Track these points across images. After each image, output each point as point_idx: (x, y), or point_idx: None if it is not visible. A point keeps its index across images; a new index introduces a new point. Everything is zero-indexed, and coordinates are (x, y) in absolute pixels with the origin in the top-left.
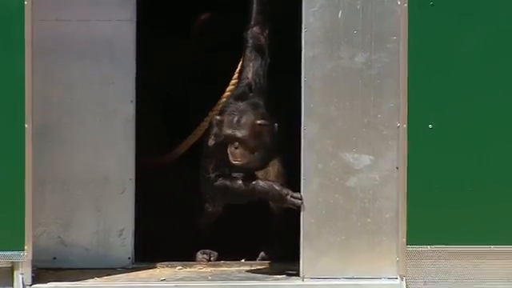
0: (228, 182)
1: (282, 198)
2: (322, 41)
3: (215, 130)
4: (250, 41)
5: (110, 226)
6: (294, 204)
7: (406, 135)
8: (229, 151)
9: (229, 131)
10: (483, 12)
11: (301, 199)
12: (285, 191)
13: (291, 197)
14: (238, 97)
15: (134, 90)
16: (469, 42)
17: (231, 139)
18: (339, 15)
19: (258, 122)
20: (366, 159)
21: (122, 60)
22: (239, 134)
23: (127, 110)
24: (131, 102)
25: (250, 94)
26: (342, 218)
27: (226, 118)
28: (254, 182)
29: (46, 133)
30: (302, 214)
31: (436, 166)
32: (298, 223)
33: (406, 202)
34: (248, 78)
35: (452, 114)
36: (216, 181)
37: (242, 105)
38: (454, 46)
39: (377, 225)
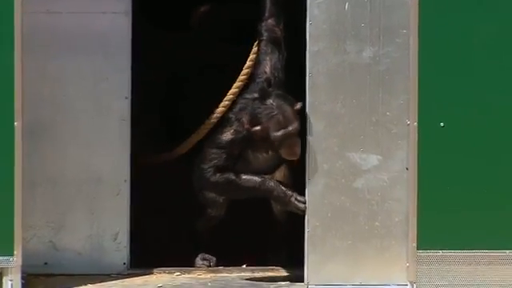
0: (232, 176)
1: (285, 200)
2: (328, 34)
3: (235, 126)
4: (265, 34)
5: (104, 229)
6: (297, 208)
7: (417, 134)
8: (286, 151)
9: (281, 132)
10: (500, 2)
11: (305, 203)
12: (289, 192)
13: (295, 199)
14: (260, 95)
15: (130, 86)
16: (484, 35)
17: (288, 137)
18: (346, 7)
19: (297, 107)
20: (373, 159)
21: (116, 54)
22: (293, 128)
23: (122, 106)
24: (126, 98)
25: (270, 89)
26: (349, 221)
27: (269, 123)
28: (259, 179)
29: (37, 131)
30: (306, 216)
31: (448, 166)
32: (302, 226)
33: (416, 205)
34: (266, 72)
35: (465, 111)
36: (220, 173)
37: (272, 101)
38: (468, 39)
39: (386, 228)
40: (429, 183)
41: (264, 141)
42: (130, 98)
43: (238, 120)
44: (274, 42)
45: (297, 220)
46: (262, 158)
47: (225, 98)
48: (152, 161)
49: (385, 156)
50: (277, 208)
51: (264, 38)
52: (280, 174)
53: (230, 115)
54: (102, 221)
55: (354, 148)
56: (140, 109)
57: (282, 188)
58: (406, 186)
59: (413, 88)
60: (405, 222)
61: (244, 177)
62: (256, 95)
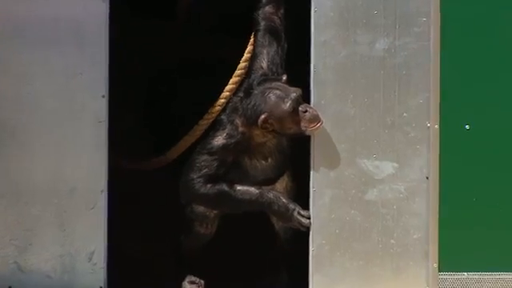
0: (225, 187)
1: (287, 215)
2: (336, 23)
3: (228, 129)
4: (262, 23)
5: (78, 248)
6: (300, 223)
7: (438, 138)
8: (306, 121)
9: (288, 102)
10: None
11: (309, 218)
12: (292, 206)
13: (298, 214)
14: (244, 92)
15: (107, 83)
16: None
17: (298, 103)
18: None
19: (283, 78)
20: (388, 167)
21: (91, 46)
22: (297, 92)
23: (98, 106)
24: (103, 97)
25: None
26: (360, 238)
27: (269, 106)
28: (257, 191)
29: None
30: (310, 233)
31: (475, 175)
32: (306, 244)
33: (437, 220)
34: (262, 67)
35: (494, 112)
36: (210, 184)
37: (255, 90)
38: (498, 28)
39: (402, 247)
40: (452, 195)
41: (274, 132)
42: (107, 96)
43: (231, 122)
44: (272, 33)
45: (300, 236)
46: (261, 165)
47: (220, 96)
48: (136, 168)
49: (401, 163)
50: (278, 223)
51: (261, 27)
52: (281, 184)
53: (222, 117)
54: (75, 238)
55: (366, 154)
56: (119, 109)
57: (283, 201)
58: (426, 197)
59: (434, 85)
60: (424, 240)
61: (239, 188)
62: (241, 94)
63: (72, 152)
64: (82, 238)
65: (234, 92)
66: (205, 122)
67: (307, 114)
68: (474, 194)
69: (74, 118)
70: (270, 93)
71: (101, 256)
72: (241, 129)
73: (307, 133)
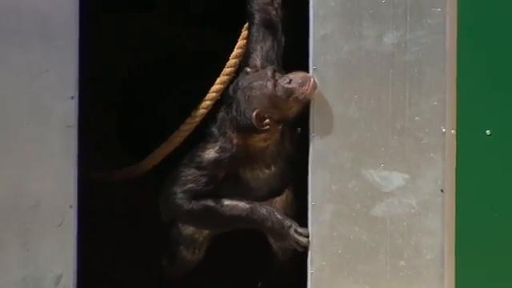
0: (211, 203)
1: (282, 232)
2: (338, 14)
3: (221, 142)
4: (257, 15)
5: (43, 270)
6: (297, 242)
7: (455, 145)
8: (299, 85)
9: (283, 85)
10: None
11: (307, 237)
12: (288, 222)
13: (295, 231)
14: (231, 93)
15: (77, 82)
16: None
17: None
18: None
19: (268, 73)
20: (398, 178)
21: (58, 41)
22: (274, 72)
23: (66, 109)
24: (72, 98)
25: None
26: (366, 259)
27: (257, 100)
28: (247, 206)
29: None
30: (309, 253)
31: (496, 187)
32: (304, 266)
33: (454, 238)
34: (256, 65)
35: None
36: (195, 200)
37: (239, 87)
38: None
39: (413, 269)
40: (470, 210)
41: (262, 137)
42: (76, 97)
43: (223, 135)
44: (268, 26)
45: (299, 257)
46: (264, 175)
47: (206, 97)
48: (108, 179)
49: (413, 174)
50: (276, 243)
51: (255, 20)
52: (282, 197)
53: (213, 129)
54: (39, 259)
55: (373, 164)
56: (90, 112)
57: (278, 217)
58: (441, 213)
59: (449, 85)
60: (439, 261)
61: (226, 203)
62: (229, 97)
63: (36, 161)
64: (47, 259)
65: (223, 93)
66: (187, 128)
67: (293, 80)
68: (495, 209)
69: (39, 123)
70: (248, 91)
71: (69, 280)
72: (235, 141)
73: (308, 97)
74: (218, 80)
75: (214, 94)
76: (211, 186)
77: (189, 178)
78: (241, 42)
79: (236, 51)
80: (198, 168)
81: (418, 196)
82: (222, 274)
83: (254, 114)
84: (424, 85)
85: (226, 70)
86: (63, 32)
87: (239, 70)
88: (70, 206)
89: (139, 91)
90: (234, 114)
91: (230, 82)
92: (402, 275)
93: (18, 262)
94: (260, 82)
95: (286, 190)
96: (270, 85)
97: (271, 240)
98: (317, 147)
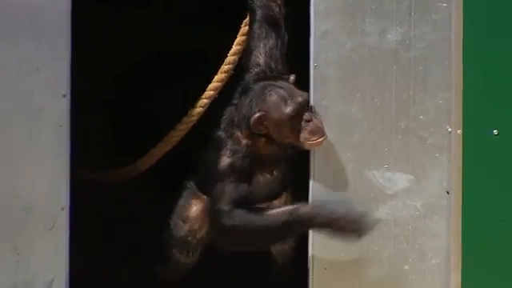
0: (255, 215)
1: (339, 223)
2: (340, 9)
3: (230, 145)
4: (259, 11)
5: (35, 275)
6: (360, 229)
7: (461, 145)
8: (308, 133)
9: (290, 106)
10: None
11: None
12: (340, 211)
13: (352, 219)
14: (241, 93)
15: (69, 80)
16: None
17: (302, 109)
18: None
19: (291, 78)
20: (402, 180)
21: (50, 38)
22: (302, 97)
23: (58, 108)
24: (64, 96)
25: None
26: (369, 263)
27: (266, 105)
28: (289, 208)
29: None
30: (310, 257)
31: (504, 189)
32: (305, 270)
33: (460, 242)
34: (259, 64)
35: None
36: (238, 215)
37: (255, 87)
38: None
39: (418, 273)
40: (477, 212)
41: (266, 141)
42: (68, 95)
43: (231, 136)
44: (271, 23)
45: (299, 261)
46: (265, 179)
47: (203, 95)
48: (102, 180)
49: (417, 175)
50: (275, 247)
51: (257, 17)
52: (280, 200)
53: (219, 133)
54: (30, 264)
55: (376, 165)
56: (82, 110)
57: (322, 207)
58: (447, 215)
59: (456, 82)
60: (445, 266)
61: (267, 212)
62: (236, 101)
63: (27, 162)
64: (39, 264)
65: (225, 95)
66: (183, 127)
67: (310, 123)
68: (503, 212)
69: (30, 122)
70: (271, 90)
71: (61, 285)
72: (244, 141)
73: (306, 147)
74: (216, 78)
75: (212, 92)
76: (243, 191)
77: (220, 193)
78: (240, 39)
79: (235, 48)
80: (220, 179)
81: (423, 198)
82: (221, 279)
83: (257, 115)
84: (429, 83)
85: (224, 67)
86: (55, 29)
87: (238, 67)
88: (62, 209)
89: (134, 89)
90: (243, 103)
91: (229, 79)
92: (406, 280)
93: (8, 266)
94: (288, 95)
95: (285, 193)
96: (292, 107)
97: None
98: (317, 148)
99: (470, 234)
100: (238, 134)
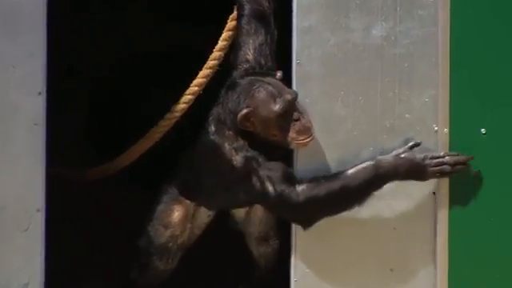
0: (326, 181)
1: (420, 168)
2: (323, 4)
3: (228, 144)
4: (247, 6)
5: (8, 278)
6: (441, 170)
7: (448, 144)
8: (296, 133)
9: (279, 104)
10: None
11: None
12: (419, 156)
13: (431, 158)
14: (227, 89)
15: (45, 78)
16: None
17: (290, 107)
18: None
19: (278, 75)
20: None
21: (26, 34)
22: (292, 95)
23: (34, 106)
24: (39, 94)
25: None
26: (352, 266)
27: (254, 102)
28: (369, 163)
29: None
30: (292, 259)
31: (492, 189)
32: (287, 273)
33: (447, 244)
34: (248, 60)
35: None
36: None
37: (242, 81)
38: None
39: (403, 277)
40: (464, 213)
41: (253, 138)
42: (44, 93)
43: (224, 136)
44: (260, 18)
45: (282, 264)
46: None
47: (187, 91)
48: (80, 178)
49: None
50: (258, 249)
51: (245, 12)
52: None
53: (212, 137)
54: (5, 267)
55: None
56: (58, 109)
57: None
58: (433, 217)
59: (442, 80)
60: (431, 269)
61: (346, 173)
62: (224, 92)
63: (1, 162)
64: (13, 267)
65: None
66: (166, 123)
67: (298, 123)
68: (491, 212)
69: (4, 120)
70: (259, 86)
71: (36, 287)
72: (239, 137)
73: (292, 146)
74: (201, 73)
75: (196, 88)
76: (281, 166)
77: (264, 181)
78: (226, 34)
79: (221, 43)
80: (249, 175)
81: (409, 199)
82: (201, 284)
83: (244, 111)
84: (415, 80)
85: (210, 62)
86: (31, 26)
87: (223, 63)
88: (38, 210)
89: (113, 87)
90: (230, 98)
91: (214, 75)
92: (391, 283)
93: None
94: (277, 92)
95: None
96: (280, 105)
97: (252, 247)
98: (300, 147)
99: (457, 236)
100: (231, 132)
